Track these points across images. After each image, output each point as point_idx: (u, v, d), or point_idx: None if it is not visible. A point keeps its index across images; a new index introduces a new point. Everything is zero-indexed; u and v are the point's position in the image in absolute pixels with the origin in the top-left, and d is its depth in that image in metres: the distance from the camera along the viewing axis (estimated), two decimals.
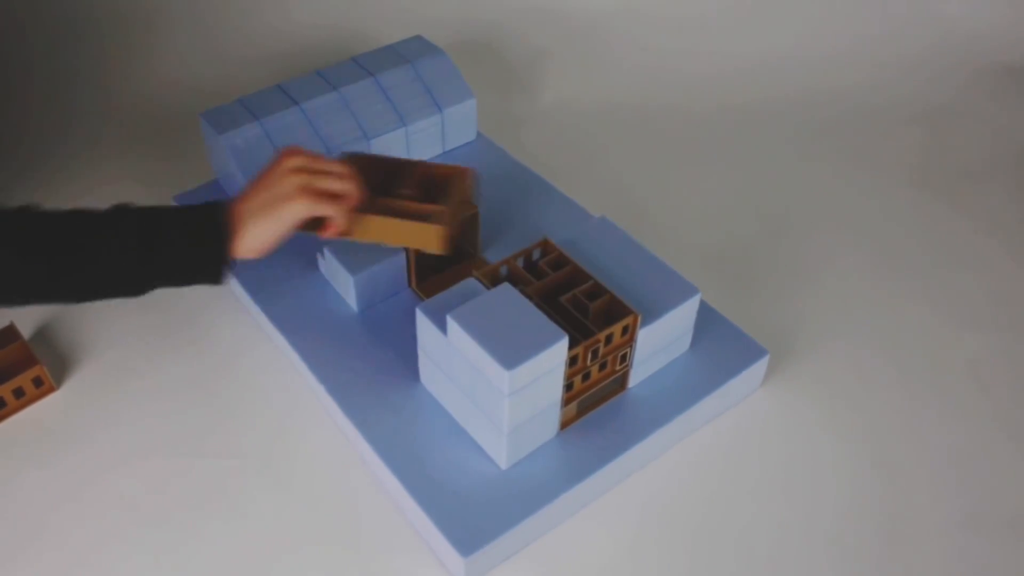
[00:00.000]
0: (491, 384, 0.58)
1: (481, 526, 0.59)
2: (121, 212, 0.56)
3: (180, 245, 0.56)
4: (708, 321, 0.72)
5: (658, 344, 0.66)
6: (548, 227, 0.82)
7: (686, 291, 0.66)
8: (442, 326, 0.60)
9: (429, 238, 0.63)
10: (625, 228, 0.72)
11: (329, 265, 0.74)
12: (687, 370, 0.69)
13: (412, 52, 0.89)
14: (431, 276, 0.77)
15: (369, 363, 0.70)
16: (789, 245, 0.86)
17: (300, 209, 0.57)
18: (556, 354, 0.58)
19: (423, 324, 0.63)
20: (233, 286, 0.79)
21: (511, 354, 0.56)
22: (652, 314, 0.64)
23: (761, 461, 0.68)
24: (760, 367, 0.71)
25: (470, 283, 0.64)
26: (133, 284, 0.57)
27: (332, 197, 0.59)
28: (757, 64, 1.10)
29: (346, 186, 0.60)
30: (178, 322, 0.78)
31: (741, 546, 0.62)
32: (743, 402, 0.71)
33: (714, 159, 0.97)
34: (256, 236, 0.57)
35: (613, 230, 0.70)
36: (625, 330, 0.63)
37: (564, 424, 0.65)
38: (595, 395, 0.66)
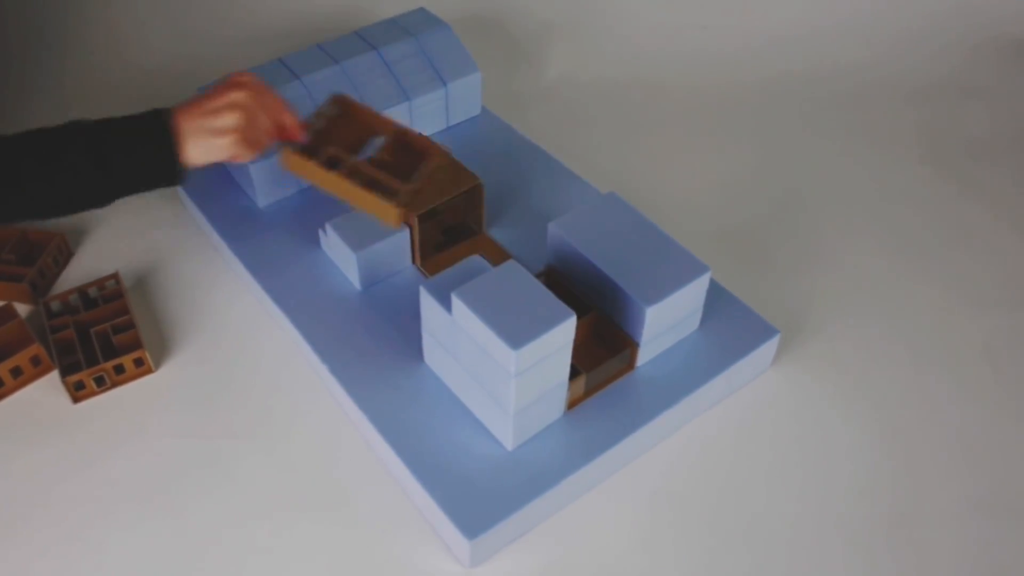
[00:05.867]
0: (497, 364, 0.56)
1: (487, 508, 0.58)
2: (73, 131, 0.57)
3: (132, 155, 0.57)
4: (718, 300, 0.71)
5: (667, 323, 0.65)
6: (554, 204, 0.80)
7: (696, 269, 0.65)
8: (446, 304, 0.59)
9: (386, 214, 0.63)
10: (634, 205, 0.70)
11: (331, 242, 0.73)
12: (696, 349, 0.68)
13: (415, 25, 0.87)
14: (435, 253, 0.75)
15: (372, 342, 0.68)
16: (800, 223, 0.85)
17: (229, 150, 0.60)
18: (563, 333, 0.57)
19: (427, 303, 0.61)
20: (233, 263, 0.77)
21: (518, 333, 0.55)
22: (661, 292, 0.62)
23: (771, 442, 0.66)
24: (771, 347, 0.69)
25: (475, 260, 0.62)
26: (96, 198, 0.59)
27: (266, 140, 0.62)
28: (765, 39, 1.08)
29: (284, 126, 0.63)
30: (176, 300, 0.77)
31: (750, 527, 0.61)
32: (753, 382, 0.70)
33: (724, 136, 0.95)
34: (195, 154, 0.59)
35: (622, 206, 0.69)
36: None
37: (571, 404, 0.64)
38: (602, 374, 0.64)
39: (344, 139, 0.66)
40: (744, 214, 0.86)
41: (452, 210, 0.75)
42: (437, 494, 0.58)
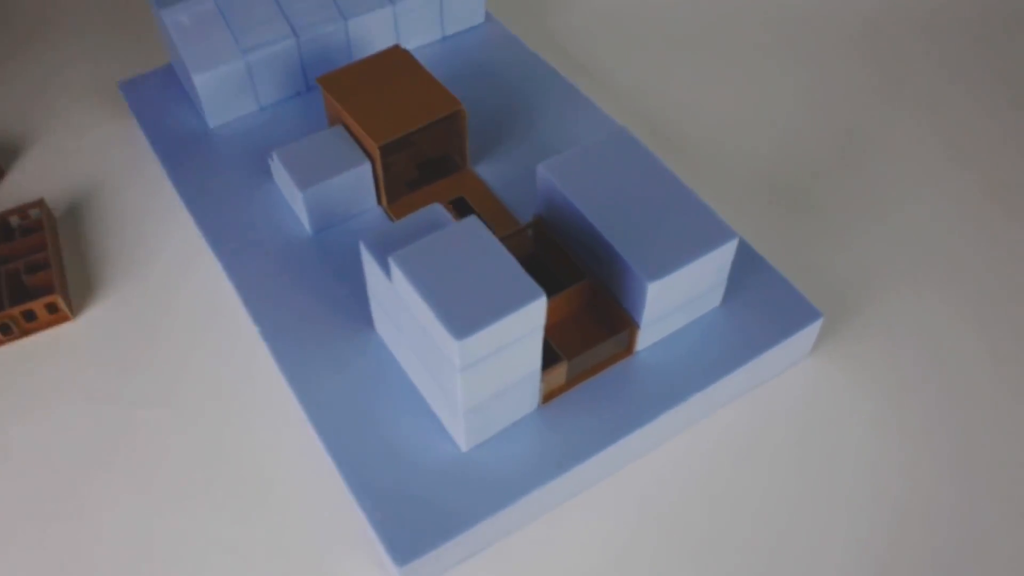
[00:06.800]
0: (442, 353, 0.44)
1: (426, 527, 0.46)
2: None
3: None
4: (750, 270, 0.57)
5: (676, 301, 0.51)
6: (561, 137, 0.66)
7: (719, 235, 0.50)
8: (388, 268, 0.46)
9: None
10: (657, 146, 0.56)
11: (279, 174, 0.60)
12: (715, 332, 0.54)
13: None
14: (408, 192, 0.62)
15: (317, 300, 0.56)
16: (862, 176, 0.69)
17: None
18: (529, 317, 0.44)
19: (369, 264, 0.49)
20: (176, 194, 0.65)
21: (465, 317, 0.42)
22: (669, 264, 0.49)
23: (802, 451, 0.53)
24: (810, 332, 0.55)
25: (434, 211, 0.49)
26: None
27: None
28: None
29: None
30: (111, 233, 0.66)
31: (765, 559, 0.49)
32: (785, 374, 0.56)
33: (775, 64, 0.78)
34: None
35: (633, 147, 0.54)
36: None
37: (548, 396, 0.51)
38: (590, 359, 0.52)
39: None
40: (794, 162, 0.70)
41: (429, 140, 0.62)
42: (368, 504, 0.47)
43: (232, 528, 0.50)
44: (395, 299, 0.47)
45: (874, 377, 0.56)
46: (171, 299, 0.61)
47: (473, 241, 0.45)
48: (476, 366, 0.43)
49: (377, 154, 0.58)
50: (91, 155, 0.72)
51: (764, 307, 0.55)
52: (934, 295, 0.60)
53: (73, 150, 0.72)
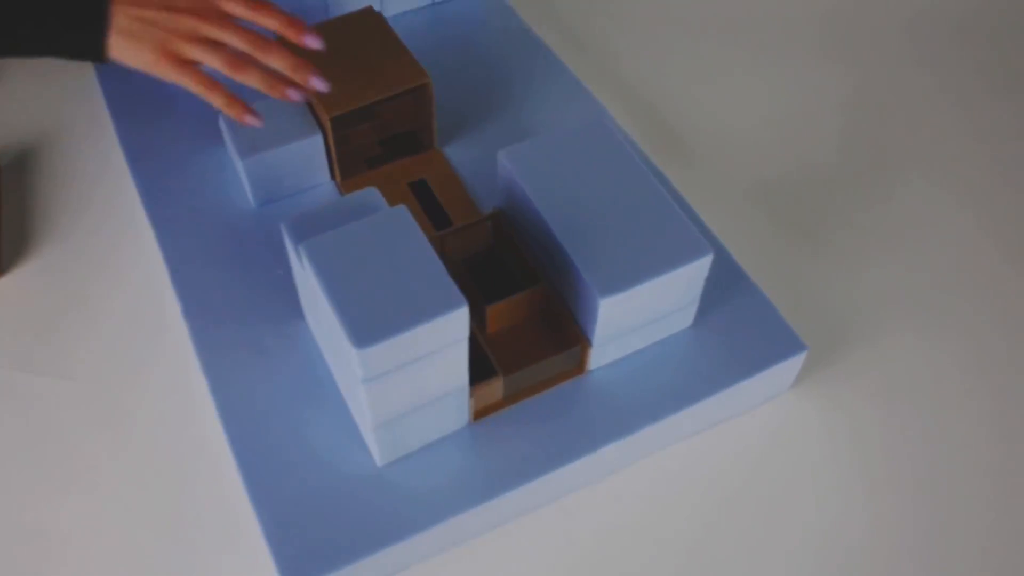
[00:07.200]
0: (348, 360, 0.39)
1: (327, 547, 0.41)
2: None
3: (54, 23, 0.49)
4: (732, 288, 0.51)
5: (635, 320, 0.46)
6: (542, 121, 0.60)
7: (692, 248, 0.44)
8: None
9: None
10: (653, 142, 0.51)
11: (226, 140, 0.55)
12: (683, 355, 0.48)
13: None
14: (366, 170, 0.57)
15: (251, 280, 0.51)
16: (878, 201, 0.61)
17: (162, 71, 0.50)
18: (448, 328, 0.38)
19: (290, 249, 0.44)
20: (120, 151, 0.61)
21: (372, 322, 0.37)
22: (627, 279, 0.43)
23: (761, 499, 0.47)
24: (791, 366, 0.49)
25: (369, 195, 0.44)
26: None
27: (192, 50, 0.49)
28: None
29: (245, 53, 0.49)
30: (59, 189, 0.61)
31: None
32: (757, 410, 0.50)
33: (801, 62, 0.71)
34: (123, 54, 0.50)
35: (608, 140, 0.48)
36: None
37: (482, 412, 0.46)
38: (533, 376, 0.46)
39: None
40: (806, 176, 0.63)
41: (394, 114, 0.57)
42: (265, 514, 0.42)
43: (121, 521, 0.46)
44: (311, 291, 0.42)
45: (857, 425, 0.50)
46: (104, 265, 0.57)
47: (397, 235, 0.40)
48: (385, 378, 0.38)
49: (328, 125, 0.52)
50: (50, 104, 0.67)
51: (742, 333, 0.49)
52: (938, 344, 0.53)
53: (31, 97, 0.68)
